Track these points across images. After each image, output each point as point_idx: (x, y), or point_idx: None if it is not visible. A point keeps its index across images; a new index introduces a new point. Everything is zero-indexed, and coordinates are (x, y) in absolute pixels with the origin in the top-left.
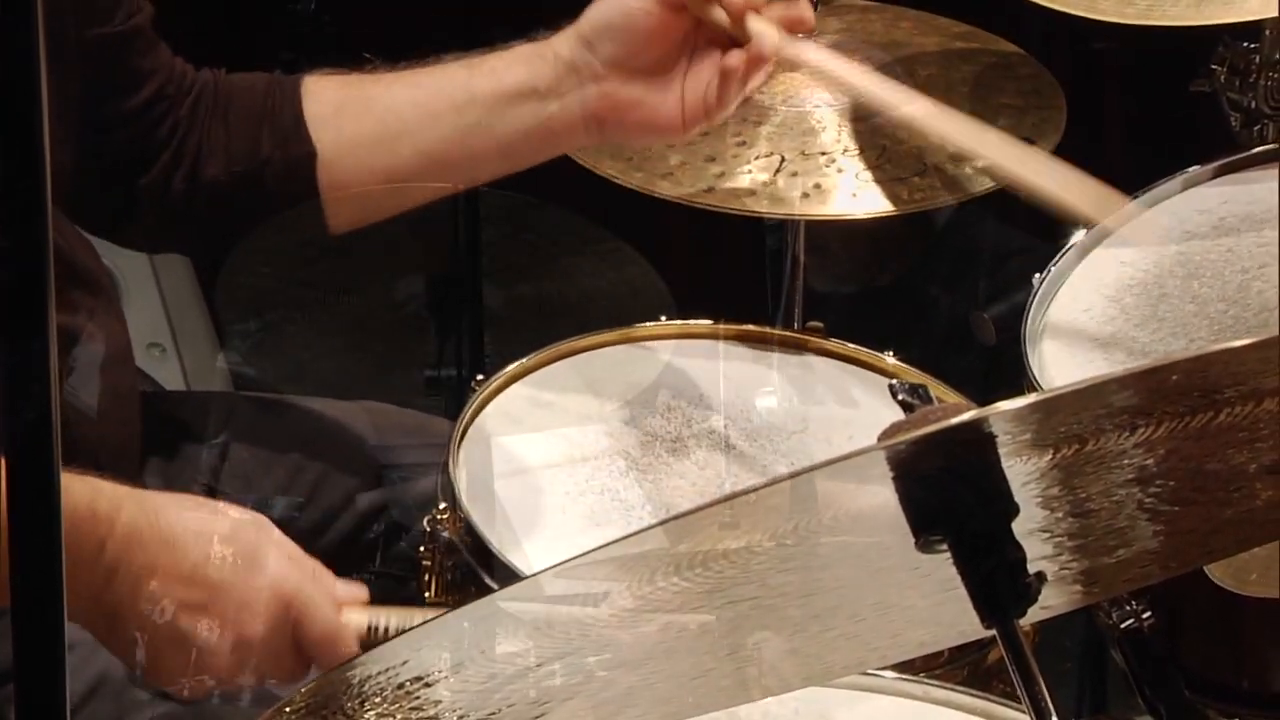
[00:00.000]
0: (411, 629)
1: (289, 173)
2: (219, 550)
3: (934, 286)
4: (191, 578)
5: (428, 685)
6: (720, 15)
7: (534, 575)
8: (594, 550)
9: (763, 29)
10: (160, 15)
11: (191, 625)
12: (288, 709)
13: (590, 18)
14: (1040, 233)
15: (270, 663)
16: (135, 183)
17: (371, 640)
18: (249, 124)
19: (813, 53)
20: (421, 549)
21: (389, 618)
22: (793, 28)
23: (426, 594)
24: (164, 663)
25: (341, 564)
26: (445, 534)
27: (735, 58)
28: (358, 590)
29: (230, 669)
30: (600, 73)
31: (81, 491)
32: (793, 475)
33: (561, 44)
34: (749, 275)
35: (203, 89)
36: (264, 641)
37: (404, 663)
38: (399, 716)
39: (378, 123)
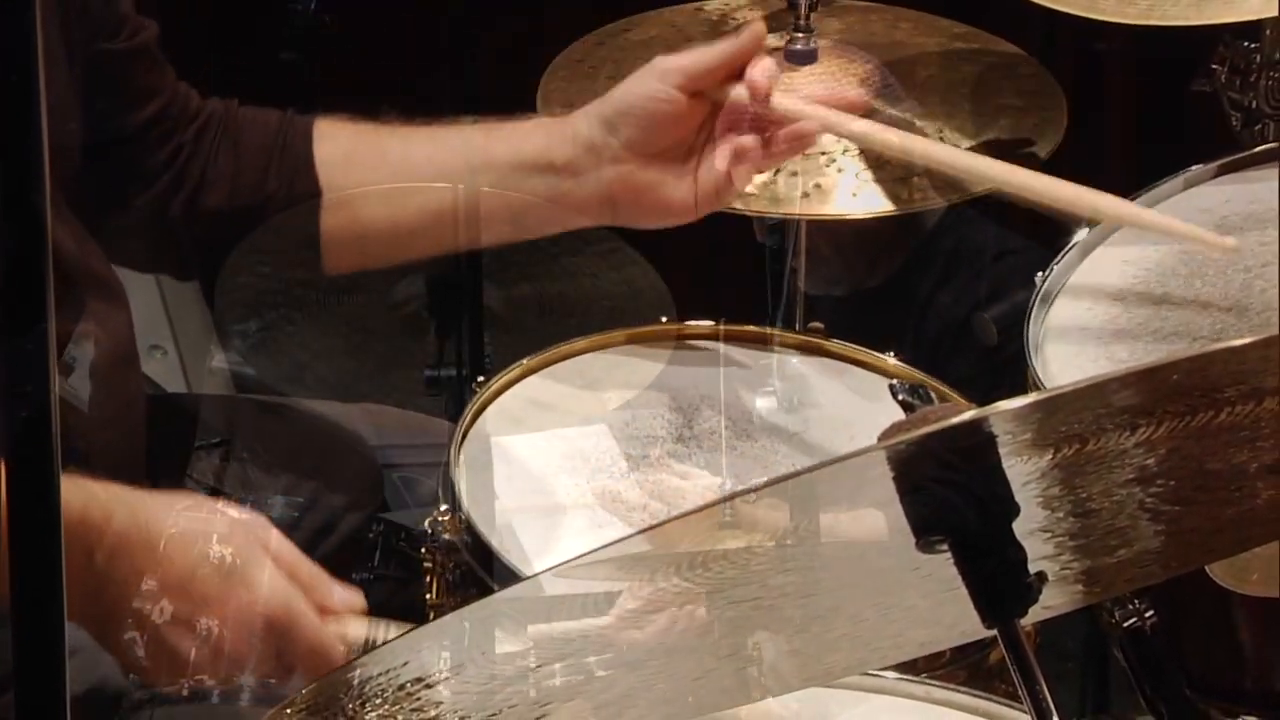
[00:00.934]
0: (406, 633)
1: (291, 211)
2: (216, 551)
3: (930, 288)
4: (180, 588)
5: (429, 686)
6: (742, 94)
7: (534, 576)
8: (594, 551)
9: (794, 105)
10: (160, 17)
11: (182, 633)
12: (289, 710)
13: (613, 100)
14: (1037, 234)
15: (258, 669)
16: (132, 201)
17: (365, 651)
18: (257, 158)
19: (838, 118)
20: (422, 550)
21: (385, 630)
22: (834, 104)
23: (428, 595)
24: (159, 665)
25: (342, 565)
26: (446, 535)
27: (750, 141)
28: (354, 597)
29: (221, 674)
30: (619, 155)
31: (75, 497)
32: (793, 475)
33: (582, 123)
34: (749, 276)
35: (210, 117)
36: (251, 651)
37: (404, 664)
38: (400, 717)
39: (389, 174)
